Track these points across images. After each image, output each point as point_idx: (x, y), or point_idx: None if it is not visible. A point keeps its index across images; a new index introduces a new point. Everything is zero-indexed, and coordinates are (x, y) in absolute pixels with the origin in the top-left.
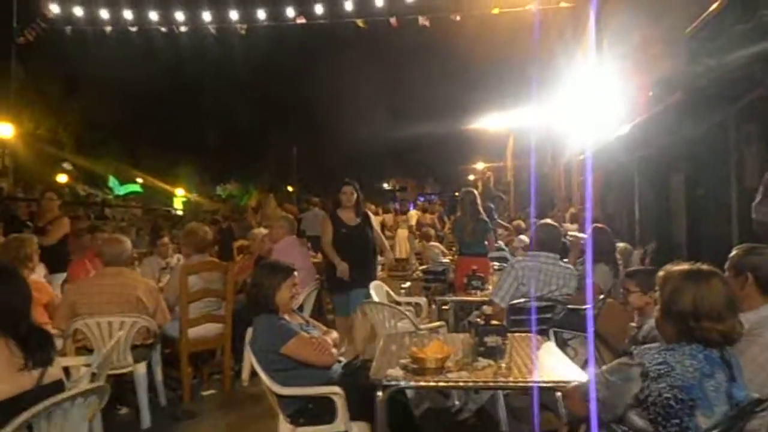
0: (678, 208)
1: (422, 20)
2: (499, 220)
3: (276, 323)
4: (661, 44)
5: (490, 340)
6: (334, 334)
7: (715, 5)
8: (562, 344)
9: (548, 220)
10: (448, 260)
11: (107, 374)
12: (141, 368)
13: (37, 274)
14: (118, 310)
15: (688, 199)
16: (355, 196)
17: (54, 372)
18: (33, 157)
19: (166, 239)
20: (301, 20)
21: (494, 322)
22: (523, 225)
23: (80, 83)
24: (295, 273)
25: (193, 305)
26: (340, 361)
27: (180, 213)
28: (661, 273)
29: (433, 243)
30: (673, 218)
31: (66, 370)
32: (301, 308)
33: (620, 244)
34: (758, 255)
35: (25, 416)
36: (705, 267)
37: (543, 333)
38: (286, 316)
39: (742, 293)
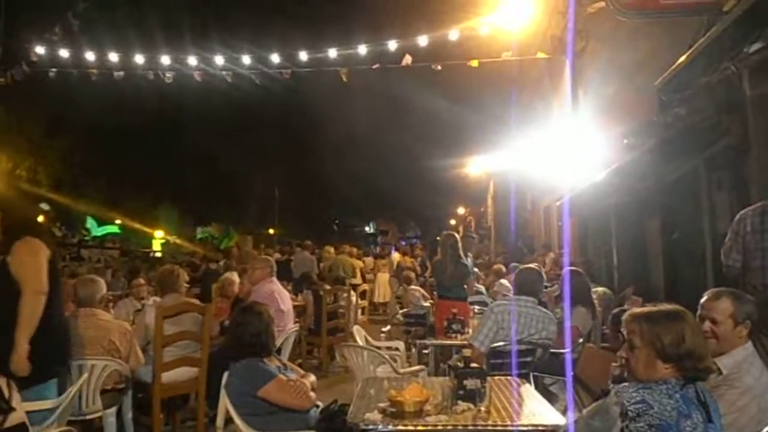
0: (654, 253)
1: (405, 61)
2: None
3: (254, 365)
4: (633, 95)
5: (470, 383)
6: (312, 378)
7: (683, 58)
8: (543, 390)
9: (530, 264)
10: (428, 304)
11: (76, 419)
12: (111, 414)
13: None
14: (89, 353)
15: (664, 243)
16: None
17: (17, 416)
18: (9, 196)
19: (141, 280)
20: (287, 73)
21: (474, 365)
22: (503, 269)
23: (62, 124)
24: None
25: (167, 348)
26: (317, 406)
27: (158, 255)
28: (632, 316)
29: (413, 287)
30: (650, 263)
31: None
32: (279, 351)
33: (599, 289)
34: (749, 303)
35: None
36: (671, 306)
37: (523, 377)
38: (265, 359)
39: (737, 339)
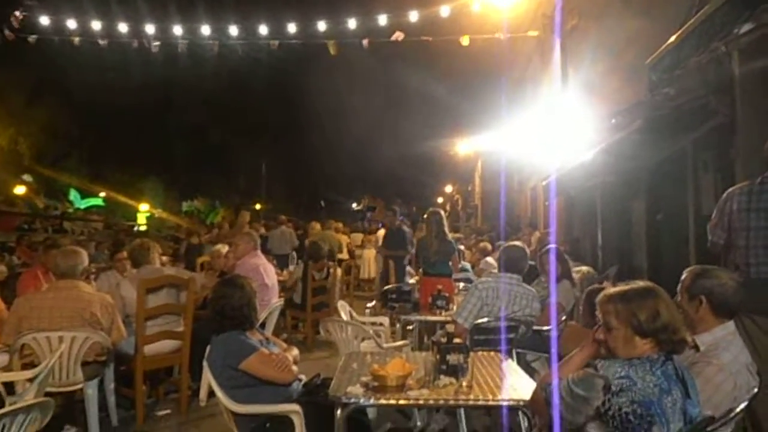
0: (639, 233)
1: (395, 36)
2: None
3: (236, 338)
4: (622, 74)
5: (452, 358)
6: (295, 351)
7: (673, 38)
8: (525, 366)
9: (516, 242)
10: (414, 280)
11: (57, 391)
12: (92, 386)
13: None
14: (70, 325)
15: (649, 223)
16: None
17: None
18: None
19: (125, 253)
20: (274, 44)
21: (457, 340)
22: (489, 247)
23: (44, 94)
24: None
25: (150, 321)
26: (300, 380)
27: (143, 228)
28: (607, 296)
29: None
30: (634, 242)
31: (11, 386)
32: (263, 325)
33: (583, 268)
34: (709, 278)
35: None
36: (643, 283)
37: (506, 353)
38: (247, 332)
39: (697, 316)
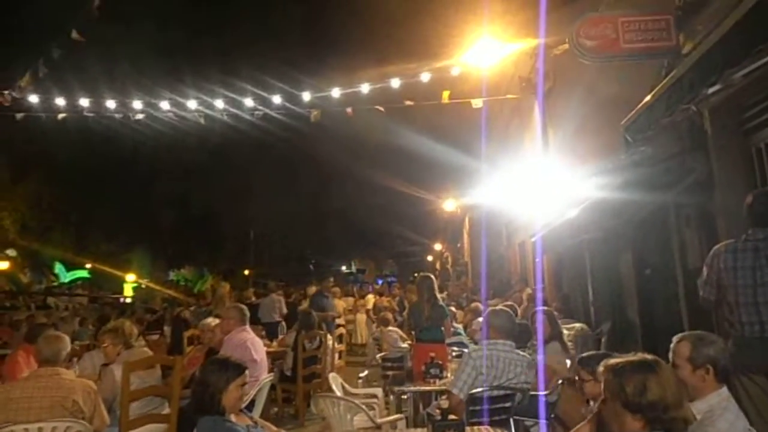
0: (629, 288)
1: (378, 109)
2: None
3: (222, 426)
4: (600, 132)
5: None
6: None
7: (645, 99)
8: (525, 430)
9: (501, 306)
10: (407, 345)
11: None
12: None
13: None
14: (50, 416)
15: (638, 279)
16: None
17: None
18: None
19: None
20: (258, 114)
21: (452, 417)
22: (480, 307)
23: (29, 168)
24: (246, 372)
25: (132, 405)
26: None
27: (129, 300)
28: (604, 368)
29: (391, 328)
30: (626, 297)
31: None
32: (252, 402)
33: (576, 325)
34: (710, 345)
35: None
36: (649, 356)
37: (503, 423)
38: (233, 417)
39: (703, 385)
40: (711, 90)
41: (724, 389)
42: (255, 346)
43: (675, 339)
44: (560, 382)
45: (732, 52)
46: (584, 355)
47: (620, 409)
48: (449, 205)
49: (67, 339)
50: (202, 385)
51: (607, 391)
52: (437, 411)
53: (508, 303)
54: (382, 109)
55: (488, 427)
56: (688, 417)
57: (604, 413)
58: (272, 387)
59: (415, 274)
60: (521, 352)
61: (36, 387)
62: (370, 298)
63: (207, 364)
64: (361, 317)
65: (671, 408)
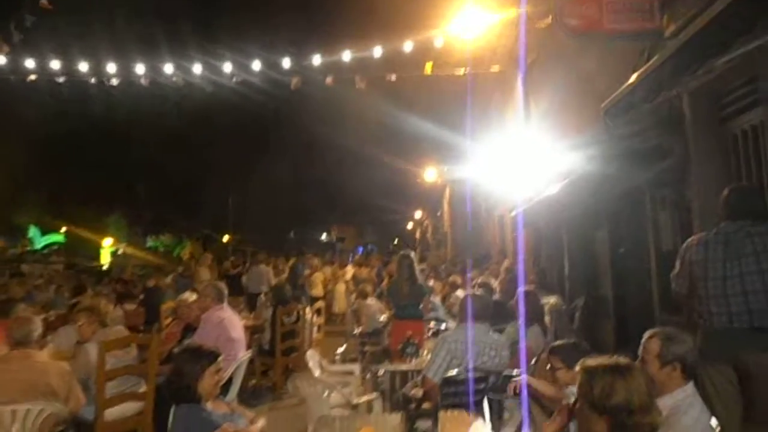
0: (604, 265)
1: (359, 82)
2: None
3: (197, 416)
4: (582, 107)
5: (421, 425)
6: (260, 423)
7: (626, 84)
8: (498, 406)
9: (478, 292)
10: (385, 317)
11: None
12: None
13: None
14: (23, 399)
15: (612, 256)
16: None
17: None
18: None
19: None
20: (237, 80)
21: (425, 405)
22: (459, 281)
23: (1, 131)
24: (220, 358)
25: (108, 384)
26: None
27: (105, 268)
28: (580, 368)
29: (369, 300)
30: (600, 274)
31: None
32: (230, 380)
33: (551, 299)
34: (680, 344)
35: None
36: (623, 360)
37: (477, 404)
38: (209, 404)
39: (669, 381)
40: (691, 75)
41: (690, 385)
42: (232, 324)
43: (645, 335)
44: (534, 361)
45: (718, 39)
46: (555, 344)
47: (588, 409)
48: (430, 174)
49: (38, 320)
50: (176, 374)
51: (579, 390)
52: (412, 393)
53: (486, 280)
54: (362, 85)
55: (462, 410)
56: (655, 422)
57: (576, 413)
58: (251, 361)
59: (395, 241)
60: (495, 335)
61: (7, 370)
62: (350, 269)
63: (180, 353)
64: (341, 287)
65: (636, 413)
